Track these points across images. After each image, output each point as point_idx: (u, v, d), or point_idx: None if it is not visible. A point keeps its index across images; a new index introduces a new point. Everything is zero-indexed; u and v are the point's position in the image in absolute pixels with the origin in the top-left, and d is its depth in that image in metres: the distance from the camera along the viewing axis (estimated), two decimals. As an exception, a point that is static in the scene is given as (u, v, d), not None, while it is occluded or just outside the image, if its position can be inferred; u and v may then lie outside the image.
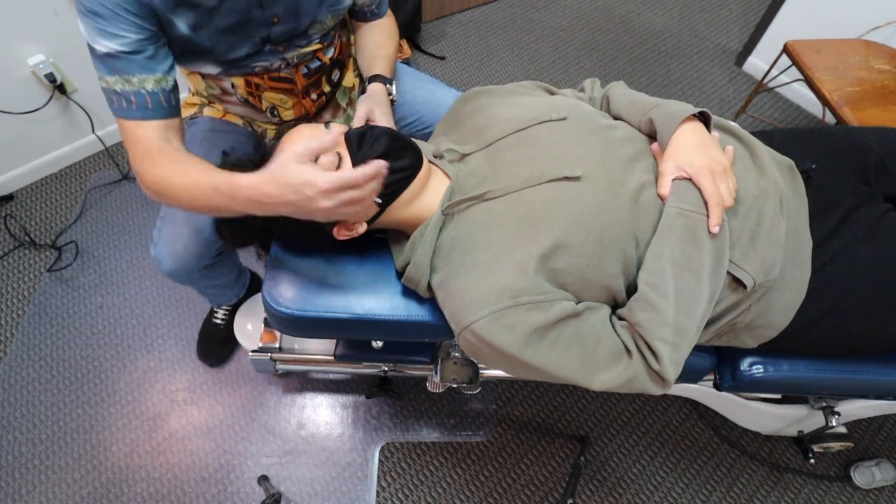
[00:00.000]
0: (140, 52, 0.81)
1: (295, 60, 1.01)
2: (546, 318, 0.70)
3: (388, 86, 1.05)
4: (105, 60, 0.80)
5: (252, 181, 0.68)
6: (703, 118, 0.82)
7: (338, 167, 0.75)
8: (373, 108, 0.98)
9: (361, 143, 0.77)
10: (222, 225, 0.86)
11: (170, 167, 0.79)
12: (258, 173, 0.69)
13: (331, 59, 1.08)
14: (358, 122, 0.95)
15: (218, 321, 1.52)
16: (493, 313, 0.71)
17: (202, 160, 0.81)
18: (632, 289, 0.75)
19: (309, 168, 0.66)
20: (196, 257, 1.08)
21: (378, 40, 1.11)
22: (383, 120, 0.98)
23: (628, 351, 0.73)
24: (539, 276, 0.71)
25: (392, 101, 1.05)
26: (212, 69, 0.97)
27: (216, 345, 1.52)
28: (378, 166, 0.66)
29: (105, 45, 0.78)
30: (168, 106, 0.85)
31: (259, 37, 0.92)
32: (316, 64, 1.05)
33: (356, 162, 0.75)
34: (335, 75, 1.12)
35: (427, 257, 0.79)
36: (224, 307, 1.52)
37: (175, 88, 0.87)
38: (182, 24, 0.85)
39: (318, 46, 1.03)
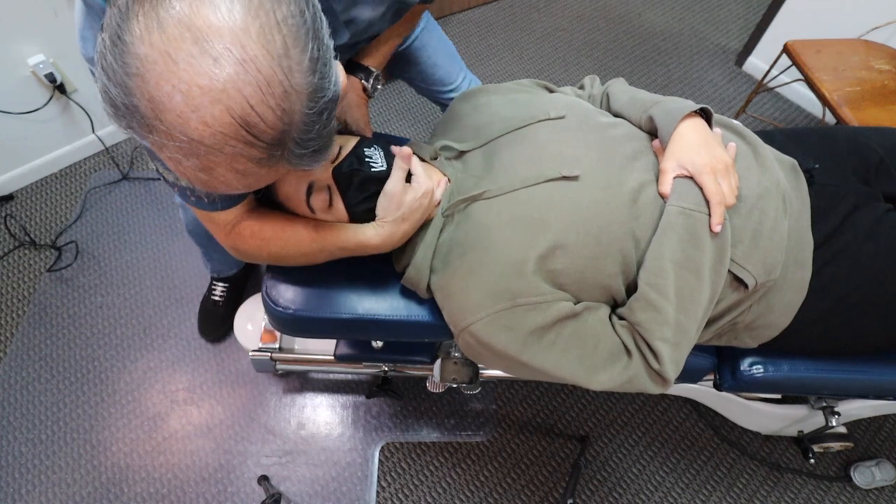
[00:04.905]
0: None
1: None
2: (544, 319, 0.70)
3: (365, 81, 0.94)
4: None
5: (382, 232, 0.75)
6: (705, 115, 0.81)
7: (329, 203, 0.76)
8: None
9: (349, 185, 0.76)
10: None
11: (276, 242, 0.77)
12: (376, 226, 0.76)
13: None
14: None
15: (216, 297, 1.54)
16: (491, 315, 0.71)
17: (290, 219, 0.77)
18: (631, 288, 0.75)
19: (412, 188, 0.75)
20: None
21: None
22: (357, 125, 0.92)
23: (628, 351, 0.73)
24: (537, 277, 0.71)
25: (367, 96, 0.97)
26: None
27: (215, 321, 1.54)
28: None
29: None
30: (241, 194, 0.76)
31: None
32: None
33: (347, 198, 0.75)
34: None
35: (427, 259, 0.79)
36: (222, 283, 1.55)
37: None
38: None
39: None
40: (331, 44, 0.50)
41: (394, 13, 0.85)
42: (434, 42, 1.19)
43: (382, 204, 0.75)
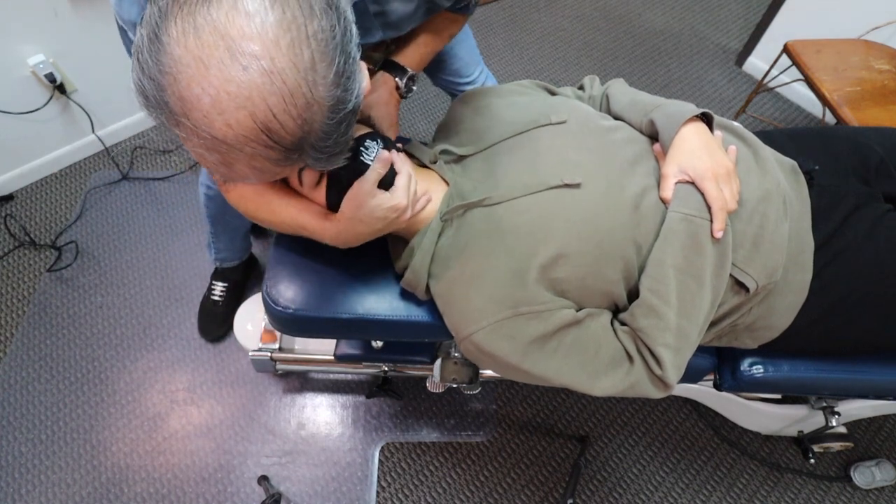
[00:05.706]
0: None
1: None
2: (546, 328, 0.70)
3: (399, 80, 0.92)
4: None
5: (335, 226, 0.74)
6: (706, 118, 0.81)
7: (318, 181, 0.74)
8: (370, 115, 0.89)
9: (339, 173, 0.73)
10: None
11: (252, 203, 0.78)
12: (338, 221, 0.74)
13: None
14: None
15: (216, 297, 1.55)
16: (493, 324, 0.71)
17: (271, 185, 0.77)
18: (633, 293, 0.75)
19: (382, 196, 0.73)
20: None
21: (427, 26, 0.94)
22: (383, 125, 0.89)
23: (630, 357, 0.73)
24: (539, 286, 0.71)
25: (400, 96, 0.94)
26: None
27: (215, 321, 1.55)
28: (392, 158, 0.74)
29: None
30: None
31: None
32: None
33: (331, 180, 0.74)
34: None
35: (425, 263, 0.78)
36: (222, 283, 1.55)
37: None
38: None
39: None
40: (358, 55, 0.51)
41: (425, 11, 0.84)
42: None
43: (348, 196, 0.72)
